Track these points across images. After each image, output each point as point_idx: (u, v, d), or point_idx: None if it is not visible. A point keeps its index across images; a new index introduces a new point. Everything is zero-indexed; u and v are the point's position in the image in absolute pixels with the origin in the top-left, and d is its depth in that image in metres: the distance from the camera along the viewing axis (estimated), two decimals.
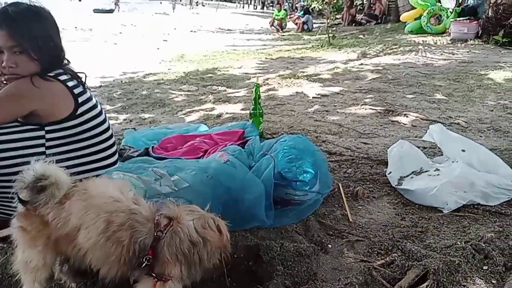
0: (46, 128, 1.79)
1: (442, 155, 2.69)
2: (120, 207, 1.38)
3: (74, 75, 1.87)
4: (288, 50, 10.01)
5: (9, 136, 1.76)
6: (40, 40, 1.75)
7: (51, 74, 1.79)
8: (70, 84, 1.82)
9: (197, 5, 47.44)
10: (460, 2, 12.01)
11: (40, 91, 1.73)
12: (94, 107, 1.91)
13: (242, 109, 4.19)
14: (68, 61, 1.91)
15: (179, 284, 1.41)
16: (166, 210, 1.42)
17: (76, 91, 1.83)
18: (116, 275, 1.39)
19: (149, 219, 1.39)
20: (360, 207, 2.25)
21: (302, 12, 18.86)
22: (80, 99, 1.84)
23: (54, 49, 1.83)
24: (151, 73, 6.57)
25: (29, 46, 1.73)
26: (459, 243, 1.85)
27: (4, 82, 1.80)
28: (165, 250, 1.35)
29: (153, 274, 1.35)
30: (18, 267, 1.47)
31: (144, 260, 1.34)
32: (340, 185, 2.41)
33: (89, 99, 1.89)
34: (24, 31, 1.72)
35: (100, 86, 5.36)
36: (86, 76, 1.95)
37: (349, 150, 2.97)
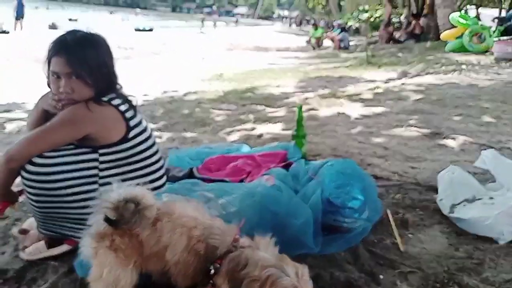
0: (100, 151, 1.83)
1: (494, 181, 2.58)
2: (198, 222, 1.49)
3: (126, 99, 1.92)
4: (326, 69, 9.99)
5: (64, 159, 1.81)
6: (95, 67, 1.81)
7: (105, 99, 1.84)
8: (122, 108, 1.87)
9: (236, 23, 48.43)
10: (501, 21, 11.67)
11: (94, 116, 1.78)
12: (144, 130, 1.95)
13: (283, 129, 4.18)
14: (120, 85, 1.97)
15: None
16: (251, 237, 1.49)
17: (128, 115, 1.88)
18: (191, 284, 1.48)
19: (229, 234, 1.48)
20: (411, 235, 2.17)
21: (339, 30, 18.86)
22: (132, 123, 1.89)
23: (108, 74, 1.89)
24: (191, 92, 6.68)
25: (84, 73, 1.80)
26: None
27: (60, 107, 1.86)
28: (226, 263, 1.40)
29: (211, 282, 1.40)
30: (102, 287, 1.48)
31: (211, 268, 1.41)
32: (389, 211, 2.34)
33: (139, 123, 1.94)
34: (80, 58, 1.79)
35: (143, 105, 5.47)
36: (137, 101, 2.00)
37: (396, 175, 2.89)
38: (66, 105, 1.84)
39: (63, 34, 1.87)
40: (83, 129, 1.80)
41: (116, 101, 1.87)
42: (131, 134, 1.88)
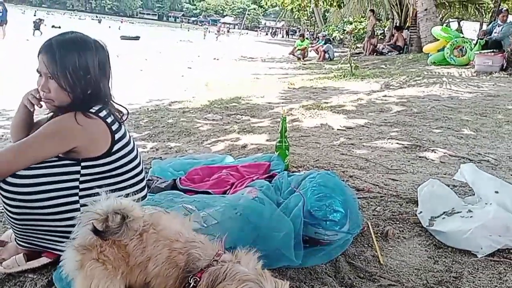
0: (82, 164, 1.80)
1: (473, 194, 2.63)
2: (181, 236, 1.50)
3: (112, 112, 1.89)
4: (310, 80, 10.06)
5: (45, 170, 1.78)
6: (72, 71, 1.76)
7: (93, 111, 1.80)
8: (109, 120, 1.84)
9: (227, 32, 49.01)
10: (483, 35, 11.95)
11: (83, 129, 1.74)
12: (128, 143, 1.93)
13: (267, 140, 4.20)
14: (109, 97, 1.92)
15: None
16: (234, 252, 1.49)
17: (114, 127, 1.85)
18: None
19: (212, 248, 1.49)
20: (391, 248, 2.20)
21: (323, 41, 19.06)
22: (117, 136, 1.86)
23: (90, 83, 1.82)
24: (176, 101, 6.66)
25: (60, 75, 1.75)
26: None
27: (40, 106, 1.86)
28: (206, 277, 1.39)
29: None
30: None
31: (191, 281, 1.40)
32: (369, 224, 2.37)
33: (123, 136, 1.91)
34: (58, 59, 1.75)
35: (128, 114, 5.43)
36: (128, 113, 1.98)
37: (377, 187, 2.93)
38: (46, 104, 1.84)
39: (57, 34, 1.85)
40: (71, 143, 1.76)
41: (103, 113, 1.83)
42: (116, 147, 1.86)
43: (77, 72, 1.77)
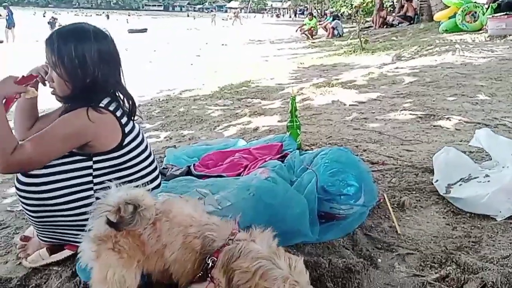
0: (94, 159, 1.82)
1: (490, 159, 2.59)
2: (194, 220, 1.52)
3: (122, 105, 1.88)
4: (320, 58, 9.96)
5: (57, 168, 1.79)
6: (68, 60, 1.76)
7: (102, 105, 1.80)
8: (118, 114, 1.84)
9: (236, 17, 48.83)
10: None
11: (95, 125, 1.74)
12: (137, 135, 1.93)
13: (279, 121, 4.18)
14: (119, 89, 1.91)
15: None
16: (249, 230, 1.51)
17: (123, 121, 1.85)
18: (189, 279, 1.50)
19: (227, 228, 1.51)
20: (408, 217, 2.18)
21: (331, 18, 18.78)
22: (127, 129, 1.86)
23: (88, 73, 1.79)
24: (186, 90, 6.68)
25: (58, 64, 1.77)
26: None
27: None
28: (222, 256, 1.43)
29: (210, 275, 1.42)
30: None
31: (208, 261, 1.43)
32: (385, 196, 2.36)
33: (133, 128, 1.91)
34: (55, 49, 1.76)
35: (139, 105, 5.43)
36: (135, 106, 1.96)
37: (391, 159, 2.90)
38: (56, 96, 1.86)
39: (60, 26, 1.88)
40: (83, 139, 1.77)
41: (112, 106, 1.83)
42: (126, 140, 1.86)
43: (73, 61, 1.76)
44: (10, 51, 14.87)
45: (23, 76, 1.83)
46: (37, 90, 1.91)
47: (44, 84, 1.92)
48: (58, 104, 1.98)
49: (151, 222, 1.47)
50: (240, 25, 31.42)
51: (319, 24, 19.80)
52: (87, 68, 1.79)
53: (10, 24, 20.68)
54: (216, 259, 1.44)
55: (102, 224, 1.44)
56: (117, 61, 1.91)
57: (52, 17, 26.32)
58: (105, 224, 1.43)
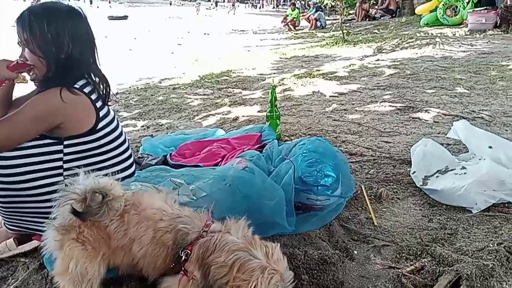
0: (65, 143, 1.76)
1: (467, 151, 2.59)
2: (165, 214, 1.46)
3: (97, 88, 1.83)
4: (302, 49, 9.92)
5: (27, 151, 1.74)
6: (40, 36, 1.71)
7: (77, 86, 1.74)
8: (93, 97, 1.78)
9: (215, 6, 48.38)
10: None
11: (68, 106, 1.69)
12: (112, 121, 1.88)
13: (259, 111, 4.14)
14: (93, 71, 1.85)
15: None
16: (223, 221, 1.47)
17: (98, 104, 1.80)
18: (160, 273, 1.46)
19: (200, 220, 1.47)
20: (385, 209, 2.18)
21: (314, 9, 18.74)
22: (101, 113, 1.81)
23: (62, 48, 1.74)
24: (166, 78, 6.56)
25: (31, 41, 1.71)
26: (491, 245, 1.78)
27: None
28: (196, 249, 1.38)
29: (183, 268, 1.38)
30: (69, 280, 1.43)
31: (182, 254, 1.39)
32: (363, 187, 2.35)
33: (108, 113, 1.86)
34: (27, 25, 1.71)
35: (117, 93, 5.35)
36: (109, 90, 1.90)
37: (370, 150, 2.89)
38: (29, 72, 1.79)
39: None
40: (56, 120, 1.71)
41: (87, 89, 1.78)
42: (100, 125, 1.81)
43: (45, 36, 1.71)
44: None
45: (17, 61, 1.76)
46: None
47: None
48: None
49: (118, 214, 1.41)
50: (233, 15, 31.11)
51: (302, 15, 19.72)
52: (60, 43, 1.74)
53: None
54: (189, 252, 1.39)
55: (67, 213, 1.38)
56: (91, 40, 1.86)
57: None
58: (70, 213, 1.37)
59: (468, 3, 11.10)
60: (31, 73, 1.80)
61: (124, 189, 1.49)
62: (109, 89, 1.91)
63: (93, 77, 1.86)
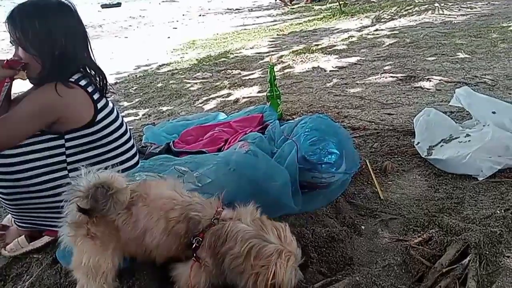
0: (66, 137, 1.76)
1: (471, 118, 2.57)
2: (176, 203, 1.47)
3: (93, 81, 1.82)
4: (300, 24, 9.77)
5: (30, 147, 1.75)
6: (33, 33, 1.70)
7: (72, 80, 1.74)
8: (90, 89, 1.78)
9: None
10: None
11: (64, 100, 1.69)
12: (111, 112, 1.87)
13: (259, 92, 4.11)
14: (89, 64, 1.85)
15: (207, 276, 1.42)
16: (233, 208, 1.49)
17: (95, 96, 1.80)
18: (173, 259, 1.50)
19: (211, 207, 1.48)
20: (390, 182, 2.18)
21: None
22: (99, 105, 1.81)
23: (55, 45, 1.73)
24: (164, 64, 6.51)
25: (23, 39, 1.70)
26: (498, 211, 1.78)
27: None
28: (208, 237, 1.40)
29: (195, 255, 1.41)
30: (84, 273, 1.47)
31: (193, 241, 1.41)
32: (367, 161, 2.34)
33: (106, 105, 1.86)
34: (18, 23, 1.70)
35: (116, 83, 5.33)
36: (106, 81, 1.90)
37: (373, 123, 2.88)
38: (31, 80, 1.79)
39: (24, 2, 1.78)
40: (53, 115, 1.72)
41: (83, 82, 1.77)
42: (99, 116, 1.81)
43: (39, 34, 1.70)
44: None
45: (7, 60, 1.75)
46: None
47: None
48: None
49: (125, 207, 1.42)
50: None
51: None
52: (53, 39, 1.73)
53: None
54: (201, 239, 1.41)
55: (75, 211, 1.40)
56: (84, 33, 1.85)
57: None
58: (77, 211, 1.38)
59: None
60: (25, 71, 1.79)
61: (128, 181, 1.50)
62: (106, 81, 1.90)
63: (89, 70, 1.85)
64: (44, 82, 1.74)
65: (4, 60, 1.76)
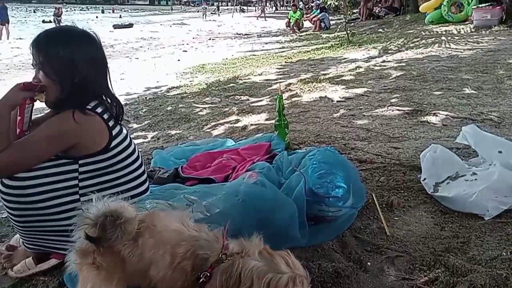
0: (80, 162, 1.80)
1: (477, 156, 2.60)
2: (182, 238, 1.45)
3: (109, 109, 1.87)
4: (308, 51, 9.93)
5: (44, 171, 1.78)
6: (56, 60, 1.77)
7: (89, 107, 1.79)
8: (105, 116, 1.83)
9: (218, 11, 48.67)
10: None
11: (81, 127, 1.74)
12: (125, 139, 1.92)
13: (266, 119, 4.17)
14: (107, 93, 1.91)
15: None
16: (239, 241, 1.46)
17: (110, 123, 1.85)
18: None
19: (217, 241, 1.45)
20: (397, 218, 2.19)
21: (318, 11, 18.75)
22: (114, 132, 1.85)
23: (76, 73, 1.78)
24: (174, 87, 6.62)
25: (46, 64, 1.77)
26: (504, 253, 1.78)
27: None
28: (218, 275, 1.38)
29: None
30: None
31: (201, 276, 1.39)
32: (373, 195, 2.36)
33: (120, 131, 1.91)
34: (43, 50, 1.77)
35: (126, 104, 5.42)
36: (122, 110, 1.96)
37: (379, 157, 2.90)
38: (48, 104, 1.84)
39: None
40: (70, 141, 1.77)
41: (99, 109, 1.82)
42: (113, 143, 1.86)
43: (62, 61, 1.76)
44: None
45: (24, 82, 1.81)
46: None
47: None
48: None
49: (132, 238, 1.42)
50: (264, 20, 30.79)
51: (306, 16, 19.74)
52: (75, 68, 1.79)
53: (4, 20, 20.01)
54: (209, 274, 1.39)
55: (82, 238, 1.42)
56: (104, 64, 1.91)
57: (57, 7, 26.08)
58: (84, 239, 1.40)
59: None
60: (44, 93, 1.84)
61: (137, 210, 1.50)
62: (122, 110, 1.96)
63: (105, 98, 1.90)
64: (60, 107, 1.80)
65: (22, 82, 1.82)
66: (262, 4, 42.38)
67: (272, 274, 1.33)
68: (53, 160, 1.79)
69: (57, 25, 24.64)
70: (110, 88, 1.94)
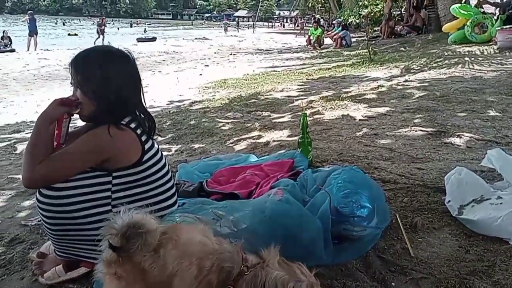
0: (114, 174, 1.89)
1: (502, 179, 2.59)
2: (207, 250, 1.47)
3: (142, 124, 1.96)
4: (329, 69, 9.98)
5: (78, 182, 1.87)
6: (92, 79, 1.87)
7: (123, 122, 1.89)
8: (138, 131, 1.93)
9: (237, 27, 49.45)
10: (504, 9, 11.57)
11: (115, 141, 1.83)
12: (156, 153, 2.00)
13: (289, 136, 4.21)
14: (140, 109, 2.00)
15: None
16: (255, 253, 1.49)
17: (143, 138, 1.94)
18: None
19: (237, 255, 1.48)
20: (421, 239, 2.19)
21: (339, 28, 18.85)
22: (146, 146, 1.95)
23: (112, 91, 1.88)
24: (196, 101, 6.73)
25: (82, 83, 1.88)
26: None
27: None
28: (243, 287, 1.40)
29: None
30: None
31: None
32: (397, 216, 2.37)
33: (152, 146, 2.00)
34: (80, 69, 1.88)
35: (155, 126, 5.51)
36: (154, 125, 2.05)
37: (403, 177, 2.91)
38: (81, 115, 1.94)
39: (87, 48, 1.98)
40: (105, 155, 1.86)
41: (133, 124, 1.92)
42: (145, 157, 1.94)
43: (97, 80, 1.87)
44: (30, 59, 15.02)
45: (62, 98, 1.92)
46: None
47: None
48: None
49: (152, 249, 1.43)
50: (303, 37, 31.24)
51: (327, 34, 19.86)
52: (110, 87, 1.89)
53: (32, 31, 20.63)
54: (232, 287, 1.43)
55: (107, 248, 1.46)
56: (138, 82, 2.01)
57: (100, 18, 26.95)
58: (108, 248, 1.44)
59: (496, 20, 10.97)
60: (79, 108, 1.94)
61: (159, 223, 1.52)
62: (154, 125, 2.04)
63: (138, 114, 1.99)
64: (95, 122, 1.90)
65: (59, 98, 1.92)
66: (302, 21, 42.62)
67: (294, 283, 1.37)
68: (88, 172, 1.88)
69: (100, 34, 25.48)
70: (143, 103, 2.03)
